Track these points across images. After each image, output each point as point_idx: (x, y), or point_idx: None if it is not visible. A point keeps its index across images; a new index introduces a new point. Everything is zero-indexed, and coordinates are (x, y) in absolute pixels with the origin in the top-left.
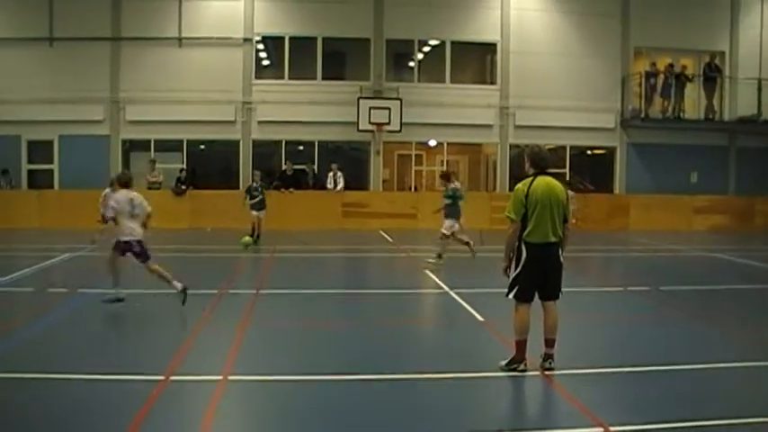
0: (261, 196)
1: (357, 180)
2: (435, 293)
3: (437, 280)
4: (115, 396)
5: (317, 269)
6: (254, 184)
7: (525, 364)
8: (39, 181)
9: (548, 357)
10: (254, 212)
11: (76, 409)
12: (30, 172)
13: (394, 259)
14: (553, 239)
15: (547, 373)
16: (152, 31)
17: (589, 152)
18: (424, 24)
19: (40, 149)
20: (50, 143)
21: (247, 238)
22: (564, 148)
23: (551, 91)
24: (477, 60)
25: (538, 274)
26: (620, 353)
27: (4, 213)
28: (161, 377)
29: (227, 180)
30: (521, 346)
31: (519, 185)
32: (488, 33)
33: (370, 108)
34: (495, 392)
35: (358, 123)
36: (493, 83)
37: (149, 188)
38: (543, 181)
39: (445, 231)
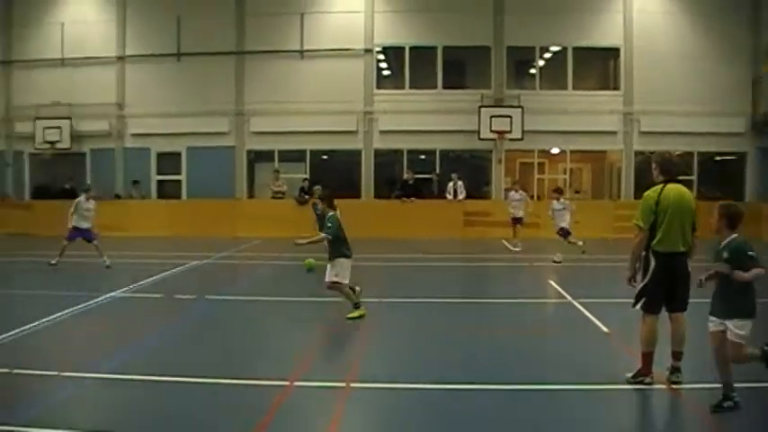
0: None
1: (478, 189)
2: (558, 303)
3: (560, 289)
4: (241, 400)
5: (439, 278)
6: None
7: (652, 377)
8: (167, 191)
9: (675, 370)
10: None
11: (205, 412)
12: (159, 182)
13: (516, 268)
14: (682, 249)
15: (674, 386)
16: (275, 45)
17: (717, 158)
18: (545, 31)
19: (168, 161)
20: (178, 155)
21: (312, 261)
22: (691, 154)
23: (677, 95)
24: (600, 66)
25: (665, 285)
26: (750, 367)
27: (136, 222)
28: (285, 383)
29: (349, 189)
30: (647, 358)
31: (649, 192)
32: (611, 38)
33: (491, 116)
34: (622, 405)
35: (479, 132)
36: (616, 88)
37: (273, 197)
38: (674, 189)
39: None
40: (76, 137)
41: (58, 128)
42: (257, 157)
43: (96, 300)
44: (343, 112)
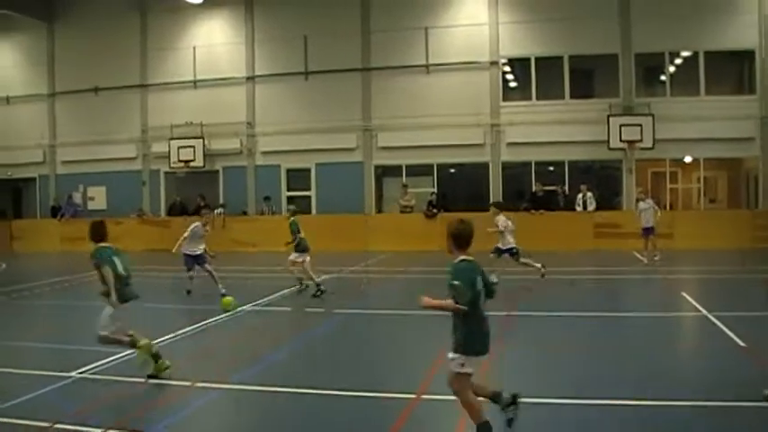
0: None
1: (608, 200)
2: (692, 316)
3: (694, 303)
4: (369, 413)
5: (568, 291)
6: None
7: None
8: (297, 206)
9: None
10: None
11: (334, 424)
12: (289, 198)
13: (649, 281)
14: None
15: None
16: (400, 60)
17: None
18: (675, 36)
19: (298, 177)
20: (308, 171)
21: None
22: None
23: None
24: (733, 69)
25: None
26: None
27: (266, 237)
28: (412, 395)
29: (477, 202)
30: None
31: None
32: (744, 40)
33: (620, 125)
34: (759, 423)
35: (608, 141)
36: (752, 92)
37: (401, 212)
38: None
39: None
40: (209, 155)
41: (192, 147)
42: (385, 172)
43: (228, 313)
44: (470, 125)
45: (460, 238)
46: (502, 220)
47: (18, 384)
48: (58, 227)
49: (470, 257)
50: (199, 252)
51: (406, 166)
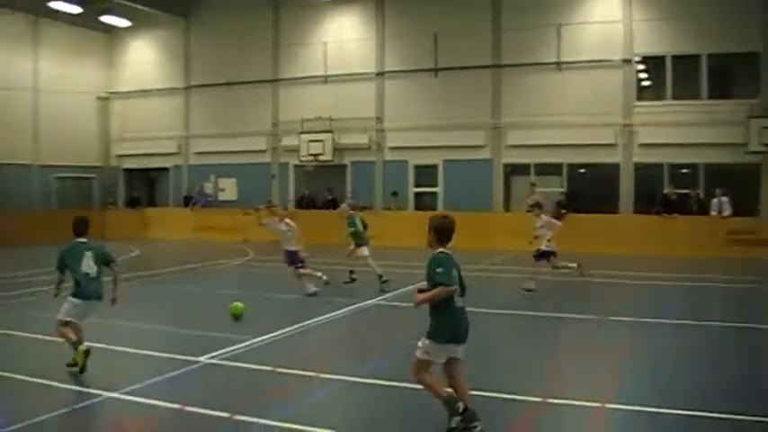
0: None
1: (746, 205)
2: None
3: None
4: (493, 413)
5: (696, 298)
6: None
7: None
8: (424, 203)
9: None
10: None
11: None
12: (416, 194)
13: None
14: None
15: None
16: (531, 57)
17: None
18: None
19: (425, 173)
20: (435, 167)
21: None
22: None
23: None
24: None
25: None
26: None
27: (393, 232)
28: (538, 398)
29: (607, 203)
30: None
31: None
32: None
33: (761, 127)
34: None
35: (747, 144)
36: None
37: (528, 211)
38: None
39: None
40: (338, 150)
41: (321, 141)
42: (513, 171)
43: (353, 306)
44: (602, 124)
45: (442, 232)
46: (543, 220)
47: (149, 366)
48: (189, 216)
49: (448, 251)
50: (293, 249)
51: (535, 165)
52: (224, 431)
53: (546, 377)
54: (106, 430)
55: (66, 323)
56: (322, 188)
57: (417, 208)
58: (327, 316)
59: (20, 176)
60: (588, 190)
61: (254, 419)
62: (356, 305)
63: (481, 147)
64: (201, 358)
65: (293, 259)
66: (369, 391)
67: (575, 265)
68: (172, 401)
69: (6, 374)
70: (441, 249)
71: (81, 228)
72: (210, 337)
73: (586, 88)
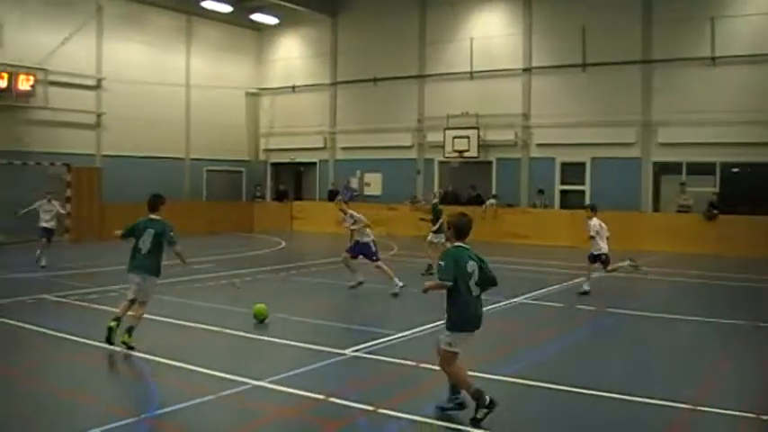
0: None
1: None
2: None
3: None
4: (633, 419)
5: None
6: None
7: None
8: (570, 201)
9: None
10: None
11: (594, 426)
12: (562, 192)
13: None
14: None
15: None
16: (683, 52)
17: None
18: None
19: (572, 171)
20: (582, 165)
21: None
22: None
23: None
24: None
25: None
26: None
27: (538, 231)
28: (684, 405)
29: (762, 205)
30: None
31: None
32: None
33: None
34: None
35: None
36: None
37: (678, 211)
38: None
39: None
40: (483, 146)
41: (467, 137)
42: (663, 169)
43: (498, 304)
44: (758, 122)
45: (459, 229)
46: (594, 223)
47: (296, 356)
48: (334, 210)
49: (464, 245)
50: (365, 240)
51: (687, 164)
52: (367, 424)
53: (698, 383)
54: (251, 418)
55: (132, 301)
56: (466, 185)
57: (563, 206)
58: None
59: (173, 169)
60: (742, 191)
61: (399, 414)
62: (502, 303)
63: (630, 144)
64: (346, 351)
65: (366, 252)
66: (514, 391)
67: (626, 263)
68: (316, 392)
69: (159, 359)
70: (457, 244)
71: (154, 205)
72: (355, 330)
73: (742, 84)
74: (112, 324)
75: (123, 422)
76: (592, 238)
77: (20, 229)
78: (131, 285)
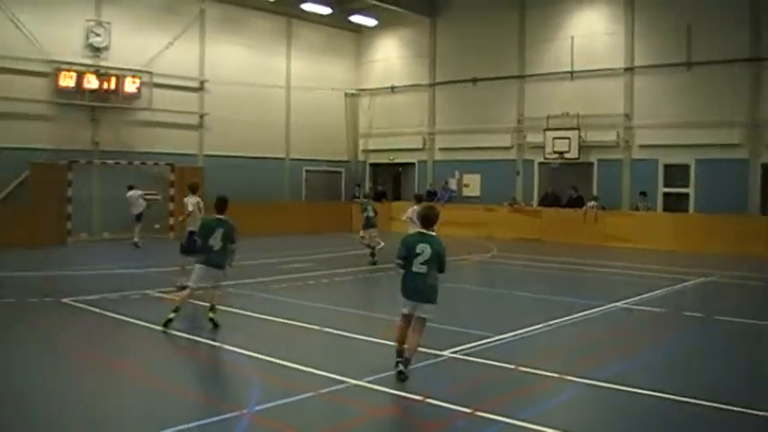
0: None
1: None
2: None
3: None
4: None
5: None
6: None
7: None
8: (674, 204)
9: None
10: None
11: None
12: (665, 195)
13: None
14: None
15: None
16: None
17: None
18: None
19: (676, 173)
20: (686, 167)
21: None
22: None
23: None
24: None
25: None
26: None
27: (640, 234)
28: None
29: None
30: None
31: None
32: None
33: None
34: None
35: None
36: None
37: None
38: None
39: None
40: (584, 147)
41: (567, 138)
42: None
43: (599, 308)
44: None
45: (424, 220)
46: None
47: (394, 356)
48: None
49: (427, 232)
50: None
51: None
52: (464, 426)
53: None
54: (349, 416)
55: (193, 290)
56: (566, 186)
57: (666, 209)
58: (571, 317)
59: (273, 169)
60: None
61: (496, 417)
62: (602, 307)
63: (737, 146)
64: (444, 352)
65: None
66: (613, 397)
67: None
68: (414, 392)
69: (260, 356)
70: (418, 230)
71: (222, 206)
72: (453, 331)
73: None
74: (172, 315)
75: (224, 416)
76: None
77: (124, 226)
78: (198, 276)
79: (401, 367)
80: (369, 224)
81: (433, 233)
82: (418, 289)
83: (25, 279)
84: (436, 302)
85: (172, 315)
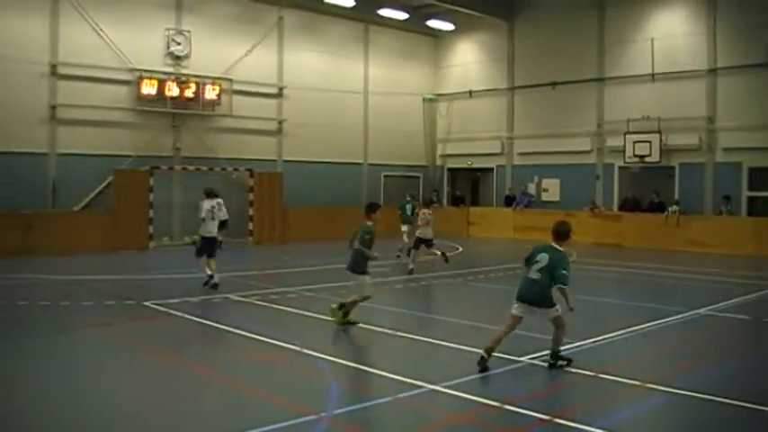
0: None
1: None
2: None
3: None
4: None
5: None
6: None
7: None
8: (759, 208)
9: None
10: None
11: None
12: (750, 199)
13: None
14: None
15: None
16: None
17: None
18: None
19: (761, 176)
20: None
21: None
22: None
23: None
24: None
25: None
26: None
27: (722, 239)
28: None
29: None
30: None
31: None
32: None
33: None
34: None
35: None
36: None
37: None
38: None
39: None
40: (665, 151)
41: (648, 142)
42: None
43: (681, 315)
44: None
45: (556, 234)
46: None
47: (472, 362)
48: (512, 216)
49: (554, 244)
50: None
51: None
52: None
53: None
54: (427, 421)
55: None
56: (647, 190)
57: (750, 213)
58: (652, 323)
59: (351, 175)
60: None
61: (575, 425)
62: (684, 314)
63: None
64: (523, 358)
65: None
66: (697, 408)
67: None
68: (491, 398)
69: (339, 360)
70: (548, 242)
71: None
72: (532, 337)
73: None
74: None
75: (304, 419)
76: None
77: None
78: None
79: (484, 356)
80: (403, 221)
81: (557, 246)
82: (528, 293)
83: (107, 282)
84: (551, 306)
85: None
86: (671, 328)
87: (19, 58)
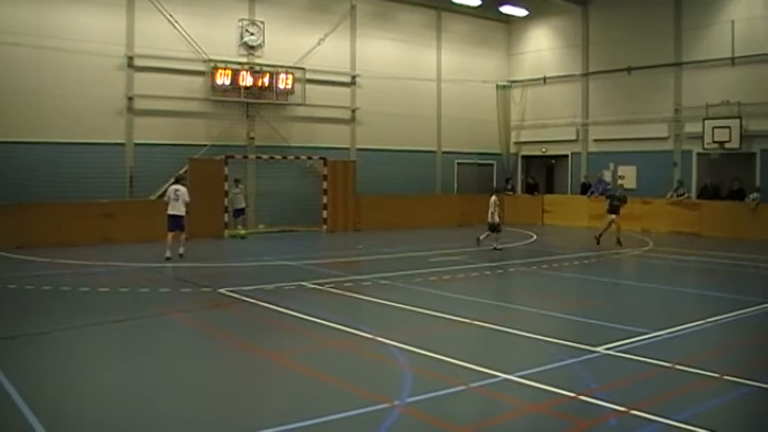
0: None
1: None
2: None
3: None
4: None
5: None
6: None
7: None
8: None
9: None
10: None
11: None
12: None
13: None
14: None
15: None
16: None
17: None
18: None
19: None
20: None
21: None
22: None
23: None
24: None
25: None
26: None
27: None
28: None
29: None
30: None
31: None
32: None
33: None
34: None
35: None
36: None
37: None
38: None
39: None
40: (746, 137)
41: (728, 127)
42: None
43: (762, 305)
44: None
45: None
46: None
47: (546, 352)
48: (587, 204)
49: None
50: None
51: None
52: (618, 425)
53: None
54: (500, 411)
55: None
56: (727, 177)
57: None
58: (732, 314)
59: (424, 162)
60: None
61: (652, 417)
62: (764, 305)
63: None
64: (599, 348)
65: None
66: None
67: None
68: (566, 389)
69: (412, 349)
70: None
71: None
72: (607, 327)
73: None
74: None
75: (376, 407)
76: None
77: (281, 218)
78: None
79: None
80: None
81: None
82: None
83: (183, 270)
84: None
85: None
86: (751, 320)
87: (97, 52)
